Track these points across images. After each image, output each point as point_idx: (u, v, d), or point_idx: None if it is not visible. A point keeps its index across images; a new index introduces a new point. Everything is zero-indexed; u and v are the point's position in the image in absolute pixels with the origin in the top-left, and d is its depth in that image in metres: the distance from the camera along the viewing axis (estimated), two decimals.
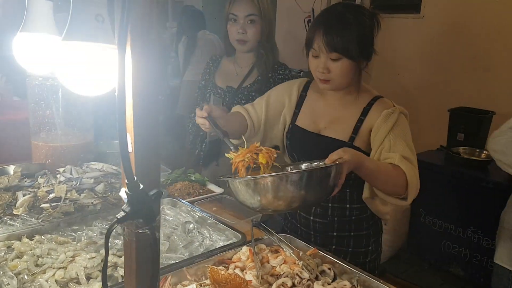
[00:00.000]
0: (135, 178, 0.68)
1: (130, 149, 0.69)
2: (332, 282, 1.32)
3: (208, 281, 1.17)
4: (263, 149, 1.44)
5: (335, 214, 1.75)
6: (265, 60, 2.26)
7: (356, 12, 1.57)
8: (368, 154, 1.61)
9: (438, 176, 3.34)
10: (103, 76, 0.65)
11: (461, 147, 3.43)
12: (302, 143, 1.76)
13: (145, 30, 0.66)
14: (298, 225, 1.81)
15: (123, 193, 0.70)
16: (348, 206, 1.74)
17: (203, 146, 2.44)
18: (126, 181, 0.67)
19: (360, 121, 1.66)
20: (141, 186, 0.68)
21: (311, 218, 1.77)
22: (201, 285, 1.09)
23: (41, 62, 0.74)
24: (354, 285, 1.29)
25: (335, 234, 1.75)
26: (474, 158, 3.33)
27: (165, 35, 6.75)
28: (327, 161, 1.39)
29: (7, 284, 1.22)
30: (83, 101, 2.13)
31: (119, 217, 0.68)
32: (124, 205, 0.69)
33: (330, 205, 1.74)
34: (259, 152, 1.44)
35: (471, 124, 3.44)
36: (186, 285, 1.21)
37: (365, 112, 1.66)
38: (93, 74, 0.64)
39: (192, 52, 4.41)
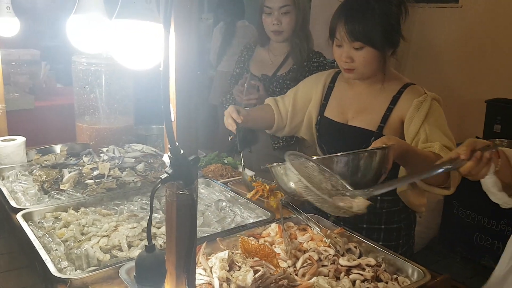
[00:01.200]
0: (177, 143, 0.76)
1: (172, 118, 0.77)
2: (357, 259, 1.37)
3: (239, 250, 1.25)
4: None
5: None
6: (300, 49, 2.28)
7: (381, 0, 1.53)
8: None
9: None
10: (149, 51, 0.73)
11: (497, 139, 3.37)
12: (330, 134, 1.75)
13: (187, 10, 0.73)
14: (328, 215, 1.74)
15: (166, 158, 0.79)
16: (379, 198, 1.68)
17: (239, 132, 2.47)
18: (169, 146, 0.75)
19: (389, 110, 1.62)
20: (182, 151, 0.76)
21: None
22: (233, 253, 1.16)
23: (93, 41, 0.83)
24: (379, 262, 1.34)
25: (365, 226, 1.71)
26: None
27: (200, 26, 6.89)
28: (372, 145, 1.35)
29: (55, 250, 1.34)
30: (125, 86, 2.25)
31: (162, 177, 0.76)
32: (167, 168, 0.77)
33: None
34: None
35: (508, 115, 3.37)
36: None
37: (394, 101, 1.62)
38: (141, 50, 0.72)
39: (229, 43, 4.34)
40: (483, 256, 3.28)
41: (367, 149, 1.31)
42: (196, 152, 0.80)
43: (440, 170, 1.16)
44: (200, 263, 1.16)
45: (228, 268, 1.11)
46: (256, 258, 1.20)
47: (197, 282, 1.11)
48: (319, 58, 2.33)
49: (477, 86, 3.74)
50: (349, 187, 1.09)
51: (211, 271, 1.13)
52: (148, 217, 0.78)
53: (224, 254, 1.15)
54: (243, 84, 2.27)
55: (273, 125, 1.89)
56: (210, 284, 1.12)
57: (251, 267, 1.12)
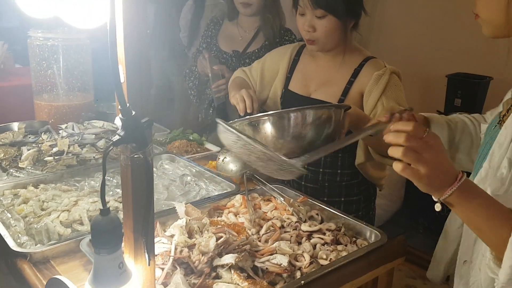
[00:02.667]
0: (128, 104, 0.75)
1: (122, 79, 0.76)
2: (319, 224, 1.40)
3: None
4: None
5: (326, 179, 1.75)
6: (272, 25, 2.23)
7: None
8: None
9: None
10: (96, 9, 0.71)
11: (457, 113, 3.47)
12: (293, 106, 1.72)
13: None
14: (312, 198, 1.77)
15: (118, 120, 0.77)
16: (339, 171, 1.74)
17: (210, 111, 2.45)
18: (119, 107, 0.74)
19: (349, 83, 1.64)
20: (133, 113, 0.75)
21: (303, 183, 1.78)
22: (190, 220, 1.17)
23: (42, 4, 0.80)
24: (339, 227, 1.37)
25: (325, 199, 1.70)
26: None
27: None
28: None
29: (14, 226, 1.30)
30: (83, 62, 2.18)
31: (114, 140, 0.75)
32: (119, 130, 0.76)
33: (321, 170, 1.74)
34: None
35: (468, 89, 3.47)
36: None
37: (355, 74, 1.64)
38: (87, 8, 0.70)
39: (199, 20, 4.25)
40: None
41: (323, 105, 1.36)
42: (149, 114, 0.79)
43: (364, 134, 1.18)
44: (163, 233, 1.16)
45: (187, 235, 1.11)
46: (218, 226, 1.21)
47: (160, 250, 1.11)
48: (291, 35, 2.29)
49: (439, 61, 3.83)
50: (283, 157, 1.04)
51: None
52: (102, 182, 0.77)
53: (182, 221, 1.15)
54: (205, 57, 2.24)
55: None
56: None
57: (214, 233, 1.13)
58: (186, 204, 1.33)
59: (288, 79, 1.80)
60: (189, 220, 1.17)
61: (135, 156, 0.79)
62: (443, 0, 3.74)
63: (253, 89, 1.84)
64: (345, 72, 1.66)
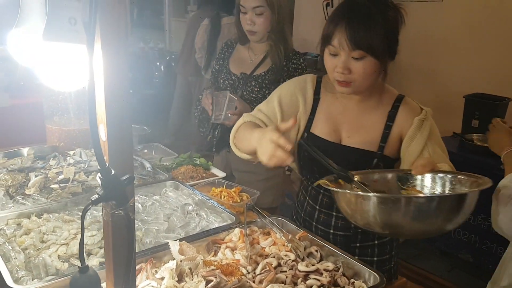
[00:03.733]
0: (107, 164, 0.75)
1: (104, 138, 0.76)
2: (317, 263, 1.38)
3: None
4: None
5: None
6: (276, 50, 2.26)
7: (381, 4, 1.41)
8: (397, 163, 1.55)
9: (451, 163, 3.31)
10: (76, 73, 0.72)
11: (475, 134, 3.39)
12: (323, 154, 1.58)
13: (114, 29, 0.72)
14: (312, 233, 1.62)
15: (98, 178, 0.78)
16: None
17: (216, 133, 2.48)
18: (99, 167, 0.75)
19: (387, 128, 1.52)
20: (113, 172, 0.76)
21: (331, 231, 1.65)
22: (181, 261, 1.16)
23: (33, 54, 0.82)
24: (337, 266, 1.35)
25: (358, 245, 1.63)
26: (487, 145, 3.30)
27: (185, 20, 6.79)
28: (417, 171, 1.30)
29: (14, 258, 1.33)
30: None
31: (93, 199, 0.75)
32: (98, 189, 0.76)
33: None
34: None
35: (486, 110, 3.39)
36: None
37: (391, 117, 1.53)
38: (66, 72, 0.71)
39: (216, 41, 4.14)
40: (461, 250, 3.32)
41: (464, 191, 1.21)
42: (131, 172, 0.80)
43: None
44: (153, 275, 1.16)
45: (177, 278, 1.11)
46: (211, 267, 1.20)
47: None
48: (298, 59, 2.31)
49: (457, 81, 3.76)
50: None
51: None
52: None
53: (172, 264, 1.15)
54: (209, 96, 2.27)
55: None
56: None
57: (203, 277, 1.12)
58: (181, 240, 1.33)
59: (309, 120, 1.62)
60: (181, 261, 1.17)
61: (116, 212, 0.79)
62: (462, 20, 3.68)
63: None
64: (380, 116, 1.54)
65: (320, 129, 1.60)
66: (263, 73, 2.30)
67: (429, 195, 1.26)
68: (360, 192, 1.25)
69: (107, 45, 0.71)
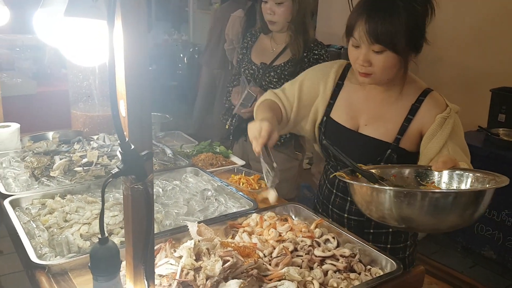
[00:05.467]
0: (127, 139, 0.77)
1: (124, 113, 0.78)
2: (334, 249, 1.38)
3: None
4: None
5: None
6: (295, 41, 2.25)
7: None
8: (412, 156, 1.53)
9: (476, 157, 3.23)
10: (97, 49, 0.74)
11: (501, 129, 3.32)
12: (338, 140, 1.60)
13: (134, 6, 0.73)
14: (330, 220, 1.64)
15: (118, 153, 0.80)
16: None
17: (233, 121, 2.52)
18: (119, 142, 0.77)
19: (407, 121, 1.50)
20: (132, 147, 0.78)
21: (345, 215, 1.66)
22: (199, 241, 1.18)
23: (57, 36, 0.84)
24: (354, 253, 1.35)
25: (372, 231, 1.63)
26: None
27: (209, 12, 6.81)
28: (437, 167, 1.29)
29: (38, 236, 1.37)
30: None
31: (113, 172, 0.77)
32: (118, 163, 0.78)
33: None
34: None
35: None
36: None
37: (413, 111, 1.50)
38: (88, 47, 0.73)
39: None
40: (484, 247, 3.26)
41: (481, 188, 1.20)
42: (150, 147, 0.82)
43: None
44: (171, 253, 1.19)
45: (194, 257, 1.13)
46: (228, 248, 1.22)
47: (167, 271, 1.13)
48: (320, 50, 2.29)
49: (484, 74, 3.67)
50: None
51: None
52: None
53: (190, 243, 1.17)
54: (239, 92, 2.30)
55: (280, 123, 1.65)
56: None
57: (220, 257, 1.14)
58: (200, 223, 1.35)
59: (330, 105, 1.63)
60: (198, 241, 1.19)
61: (135, 187, 0.81)
62: (491, 12, 3.59)
63: (285, 114, 1.66)
64: (401, 108, 1.52)
65: (339, 115, 1.60)
66: (282, 64, 2.30)
67: (445, 190, 1.25)
68: (376, 185, 1.25)
69: (127, 21, 0.73)
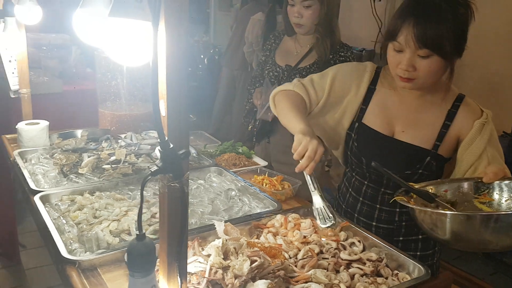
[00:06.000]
0: (166, 138, 0.79)
1: (163, 113, 0.80)
2: (359, 253, 1.38)
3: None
4: None
5: (403, 219, 1.60)
6: (322, 43, 2.25)
7: (451, 0, 1.35)
8: (446, 162, 1.53)
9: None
10: (141, 49, 0.75)
11: None
12: (373, 146, 1.57)
13: (177, 7, 0.75)
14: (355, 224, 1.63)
15: (157, 151, 0.82)
16: None
17: (257, 123, 2.52)
18: (159, 140, 0.79)
19: (445, 127, 1.49)
20: (171, 145, 0.79)
21: (374, 223, 1.64)
22: (226, 241, 1.20)
23: (97, 35, 0.86)
24: (381, 257, 1.34)
25: (401, 239, 1.62)
26: None
27: (230, 13, 6.85)
28: (489, 179, 1.30)
29: (68, 232, 1.40)
30: (146, 74, 2.30)
31: (152, 170, 0.79)
32: (157, 161, 0.80)
33: (397, 210, 1.59)
34: None
35: None
36: None
37: (450, 116, 1.49)
38: (132, 48, 0.75)
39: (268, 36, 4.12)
40: (505, 254, 3.21)
41: None
42: (187, 147, 0.83)
43: None
44: (200, 252, 1.20)
45: (222, 256, 1.14)
46: (255, 248, 1.23)
47: (196, 269, 1.15)
48: (346, 52, 2.27)
49: (508, 79, 3.61)
50: None
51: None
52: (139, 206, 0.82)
53: (218, 242, 1.18)
54: (261, 93, 2.31)
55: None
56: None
57: (248, 256, 1.15)
58: (226, 222, 1.36)
59: (362, 110, 1.59)
60: (226, 240, 1.20)
61: (172, 185, 0.83)
62: None
63: (308, 108, 1.60)
64: (438, 114, 1.50)
65: (373, 120, 1.58)
66: (308, 66, 2.29)
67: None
68: (441, 210, 1.26)
69: (170, 22, 0.75)
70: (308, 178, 1.32)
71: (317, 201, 1.31)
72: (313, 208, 1.32)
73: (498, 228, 1.12)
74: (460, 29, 1.36)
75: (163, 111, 0.80)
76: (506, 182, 1.31)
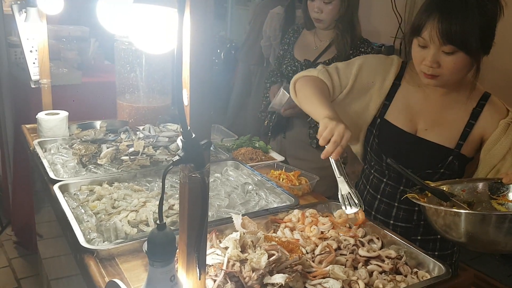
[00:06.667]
0: (189, 127, 0.78)
1: (186, 102, 0.79)
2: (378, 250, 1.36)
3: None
4: None
5: (422, 218, 1.56)
6: (342, 39, 2.23)
7: None
8: (469, 161, 1.49)
9: None
10: (165, 36, 0.75)
11: None
12: (395, 144, 1.56)
13: None
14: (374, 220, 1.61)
15: (179, 141, 0.81)
16: None
17: (273, 117, 2.52)
18: (181, 130, 0.78)
19: (469, 126, 1.46)
20: (193, 135, 0.79)
21: (391, 222, 1.62)
22: (244, 233, 1.19)
23: (121, 23, 0.86)
24: (400, 255, 1.32)
25: (419, 238, 1.59)
26: None
27: (247, 8, 6.82)
28: (509, 180, 1.28)
29: (86, 221, 1.41)
30: (164, 67, 2.30)
31: (174, 160, 0.79)
32: (179, 151, 0.79)
33: (416, 208, 1.56)
34: None
35: None
36: None
37: (475, 115, 1.46)
38: (157, 34, 0.74)
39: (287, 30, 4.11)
40: None
41: None
42: (208, 137, 0.82)
43: None
44: (217, 244, 1.20)
45: (240, 249, 1.14)
46: (273, 242, 1.22)
47: (213, 261, 1.14)
48: (367, 47, 2.25)
49: None
50: None
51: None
52: (161, 196, 0.82)
53: (236, 235, 1.18)
54: (277, 91, 2.30)
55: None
56: None
57: (266, 250, 1.14)
58: (243, 215, 1.36)
59: (385, 106, 1.57)
60: (244, 233, 1.20)
61: (193, 175, 0.82)
62: None
63: (331, 95, 1.57)
64: (463, 112, 1.47)
65: (395, 117, 1.55)
66: (327, 61, 2.27)
67: None
68: (455, 209, 1.22)
69: (196, 10, 0.74)
70: (333, 164, 1.30)
71: (344, 187, 1.30)
72: (338, 194, 1.31)
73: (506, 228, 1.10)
74: (487, 26, 1.32)
75: (186, 100, 0.79)
76: None
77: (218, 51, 7.05)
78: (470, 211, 1.21)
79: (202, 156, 0.81)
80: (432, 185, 1.35)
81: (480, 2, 1.31)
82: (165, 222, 0.82)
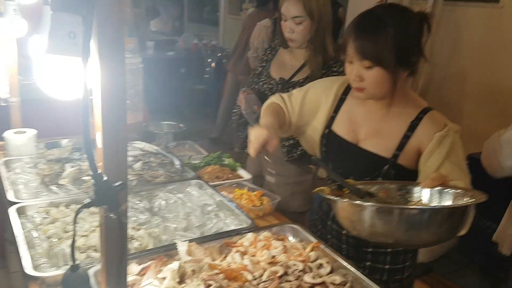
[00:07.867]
0: (98, 170, 0.79)
1: (100, 145, 0.80)
2: (325, 275, 1.37)
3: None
4: None
5: None
6: (314, 59, 2.25)
7: (398, 14, 1.42)
8: (410, 173, 1.53)
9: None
10: (75, 83, 0.76)
11: None
12: (338, 152, 1.65)
13: (111, 43, 0.75)
14: (328, 236, 1.72)
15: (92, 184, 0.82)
16: None
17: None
18: (91, 173, 0.79)
19: (406, 137, 1.52)
20: (105, 178, 0.80)
21: (343, 231, 1.64)
22: (185, 262, 1.20)
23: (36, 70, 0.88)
24: (345, 281, 1.33)
25: (370, 250, 1.62)
26: None
27: (240, 17, 6.85)
28: (426, 184, 1.31)
29: (38, 246, 1.42)
30: (135, 84, 2.31)
31: (85, 202, 0.80)
32: (91, 194, 0.80)
33: None
34: None
35: None
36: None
37: (412, 128, 1.52)
38: (67, 82, 0.76)
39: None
40: (501, 269, 3.15)
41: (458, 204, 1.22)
42: (124, 178, 0.83)
43: None
44: (156, 274, 1.20)
45: (178, 280, 1.14)
46: (215, 271, 1.23)
47: None
48: (339, 68, 2.26)
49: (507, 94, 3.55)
50: None
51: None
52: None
53: (174, 265, 1.19)
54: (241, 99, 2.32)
55: (283, 126, 1.72)
56: None
57: (204, 280, 1.15)
58: (191, 241, 1.36)
59: (332, 118, 1.67)
60: (184, 262, 1.20)
61: (109, 216, 0.83)
62: None
63: (288, 118, 1.73)
64: (400, 124, 1.54)
65: (340, 128, 1.65)
66: (301, 80, 2.28)
67: (419, 207, 1.26)
68: (357, 202, 1.25)
69: (104, 58, 0.75)
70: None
71: None
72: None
73: (402, 223, 1.12)
74: (405, 42, 1.40)
75: (99, 143, 0.80)
76: (449, 190, 1.29)
77: (209, 60, 7.09)
78: (369, 203, 1.21)
79: (117, 197, 0.82)
80: (351, 183, 1.39)
81: (398, 20, 1.40)
82: (79, 263, 0.83)
